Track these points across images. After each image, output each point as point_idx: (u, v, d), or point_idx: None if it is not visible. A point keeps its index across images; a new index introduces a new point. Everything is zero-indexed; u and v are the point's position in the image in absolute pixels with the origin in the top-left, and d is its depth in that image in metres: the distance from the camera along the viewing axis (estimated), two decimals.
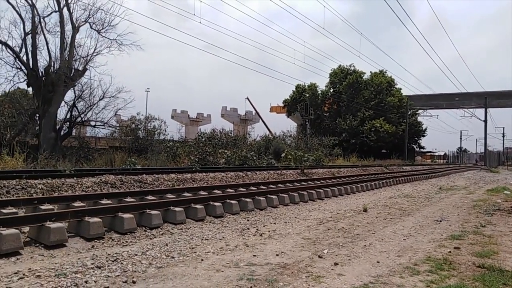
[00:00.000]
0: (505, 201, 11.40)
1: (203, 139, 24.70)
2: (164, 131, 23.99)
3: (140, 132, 22.47)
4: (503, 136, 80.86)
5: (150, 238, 5.57)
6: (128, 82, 45.30)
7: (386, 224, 7.25)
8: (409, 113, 49.89)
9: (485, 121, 48.84)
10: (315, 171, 19.22)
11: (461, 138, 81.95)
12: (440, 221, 7.73)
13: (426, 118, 56.62)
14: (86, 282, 3.53)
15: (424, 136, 58.03)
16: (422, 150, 66.84)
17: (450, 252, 5.12)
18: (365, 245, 5.45)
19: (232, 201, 8.14)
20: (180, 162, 18.38)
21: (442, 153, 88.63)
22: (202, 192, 9.11)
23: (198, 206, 7.19)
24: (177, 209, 6.73)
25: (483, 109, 49.16)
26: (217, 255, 4.72)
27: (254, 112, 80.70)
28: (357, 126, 47.52)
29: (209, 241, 5.46)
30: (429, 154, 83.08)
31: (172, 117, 77.35)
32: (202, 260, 4.46)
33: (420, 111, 56.01)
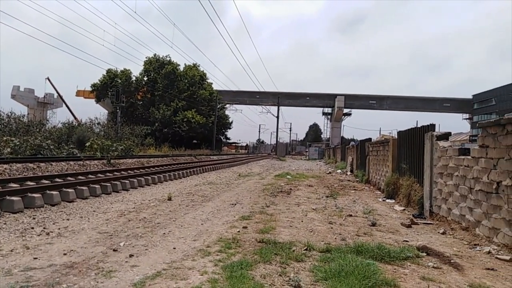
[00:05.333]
0: (287, 184, 13.69)
1: None
2: None
3: None
4: (290, 130, 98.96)
5: None
6: None
7: (187, 211, 7.58)
8: (218, 106, 53.69)
9: (278, 117, 57.62)
10: (123, 161, 18.33)
11: (259, 131, 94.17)
12: (235, 204, 8.62)
13: (232, 112, 62.67)
14: None
15: (230, 128, 63.78)
16: (228, 141, 73.35)
17: (239, 231, 5.74)
18: (164, 233, 5.54)
19: (14, 198, 6.88)
20: None
21: (245, 144, 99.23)
22: None
23: None
24: None
25: (277, 106, 57.90)
26: None
27: (56, 95, 70.68)
28: (170, 116, 48.00)
29: None
30: (234, 144, 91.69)
31: None
32: None
33: (227, 105, 61.30)
